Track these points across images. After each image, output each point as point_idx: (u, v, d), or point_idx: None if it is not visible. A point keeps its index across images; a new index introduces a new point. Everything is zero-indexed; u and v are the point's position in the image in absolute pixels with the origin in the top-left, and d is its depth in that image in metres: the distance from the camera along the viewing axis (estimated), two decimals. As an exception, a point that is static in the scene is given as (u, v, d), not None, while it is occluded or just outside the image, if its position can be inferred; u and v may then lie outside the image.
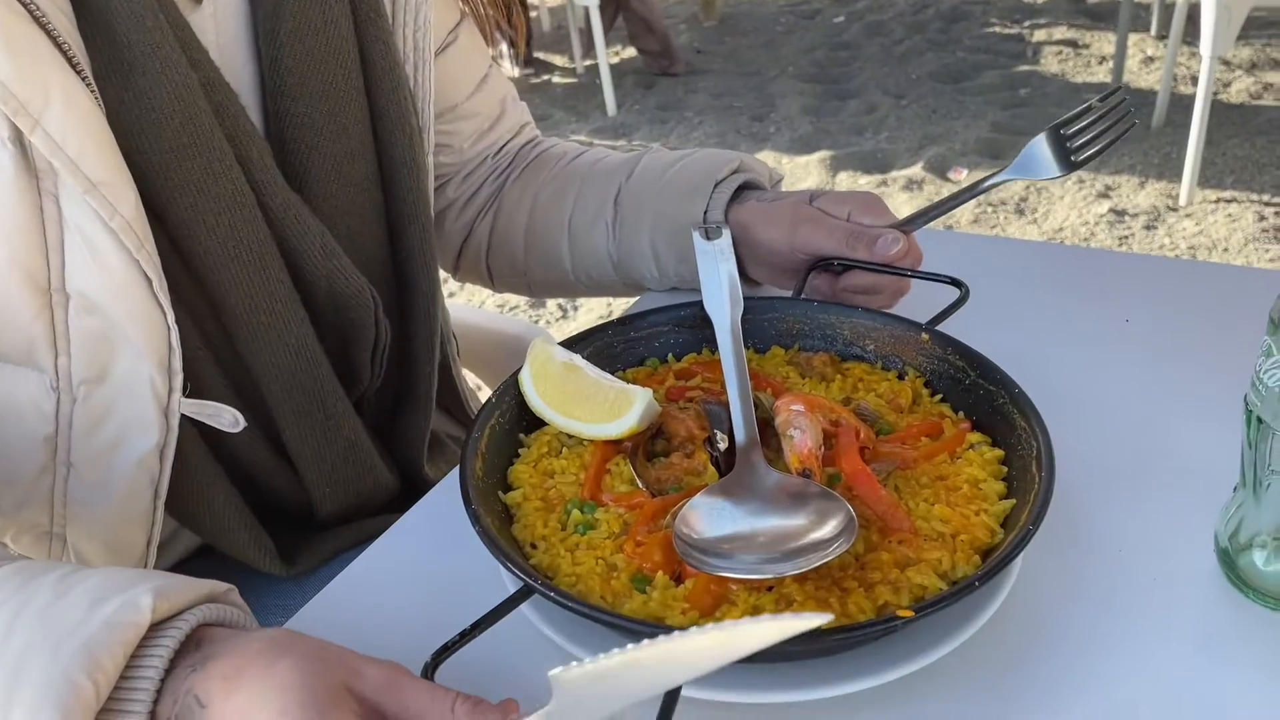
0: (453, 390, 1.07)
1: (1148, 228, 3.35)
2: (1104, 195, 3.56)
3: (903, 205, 3.51)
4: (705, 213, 0.96)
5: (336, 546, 0.92)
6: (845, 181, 3.82)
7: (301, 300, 0.85)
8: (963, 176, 3.74)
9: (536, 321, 3.08)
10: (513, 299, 3.14)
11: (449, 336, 1.06)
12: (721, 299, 0.85)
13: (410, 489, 0.98)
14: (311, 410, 0.87)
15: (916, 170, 3.82)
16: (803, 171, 3.91)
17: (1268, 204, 3.41)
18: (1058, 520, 0.66)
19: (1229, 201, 3.45)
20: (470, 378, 1.33)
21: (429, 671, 0.58)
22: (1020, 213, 3.48)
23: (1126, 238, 3.31)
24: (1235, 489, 0.71)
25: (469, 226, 1.14)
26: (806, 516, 0.65)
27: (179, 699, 0.56)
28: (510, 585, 0.69)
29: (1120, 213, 3.44)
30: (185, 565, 0.95)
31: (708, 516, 0.66)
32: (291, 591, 0.91)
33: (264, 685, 0.53)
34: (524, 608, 0.66)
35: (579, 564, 0.68)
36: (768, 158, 3.99)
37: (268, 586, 0.91)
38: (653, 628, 0.60)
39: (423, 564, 0.78)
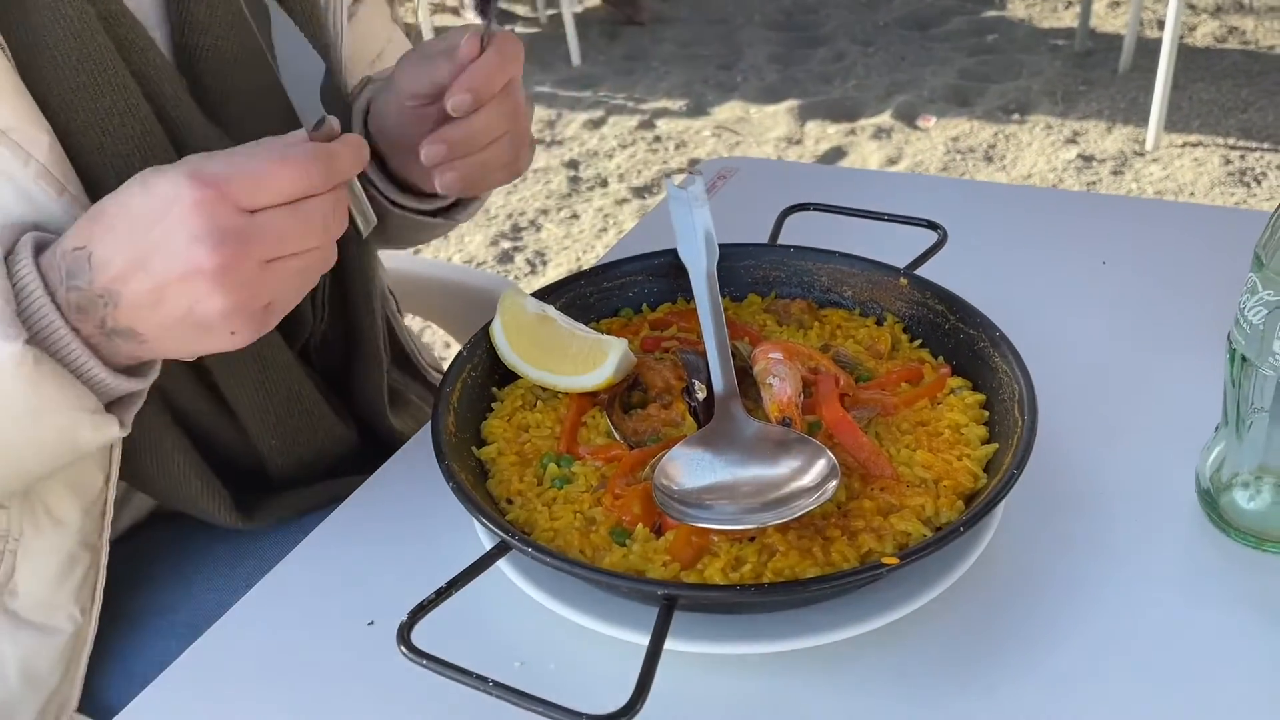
0: (399, 346, 1.05)
1: (1115, 173, 3.35)
2: (1071, 141, 3.55)
3: (872, 153, 3.49)
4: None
5: (300, 505, 0.90)
6: (814, 130, 3.79)
7: None
8: (931, 124, 3.72)
9: (504, 277, 3.04)
10: (480, 254, 3.10)
11: (385, 291, 1.03)
12: (696, 246, 0.83)
13: (376, 446, 0.96)
14: (247, 360, 0.84)
15: (885, 118, 3.80)
16: (770, 120, 3.88)
17: (1233, 147, 3.42)
18: (1038, 464, 0.65)
19: (1195, 146, 3.46)
20: (440, 334, 1.30)
21: (405, 632, 0.57)
22: (989, 159, 3.47)
23: (1094, 183, 3.31)
24: (1217, 428, 0.71)
25: None
26: (788, 465, 0.64)
27: (58, 263, 0.63)
28: (486, 541, 0.68)
29: (1088, 158, 3.45)
30: (144, 530, 0.93)
31: (688, 467, 0.65)
32: (255, 552, 0.89)
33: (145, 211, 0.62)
34: (501, 564, 0.65)
35: (556, 518, 0.66)
36: (735, 107, 3.95)
37: (231, 549, 0.89)
38: (633, 581, 0.59)
39: (395, 522, 0.76)
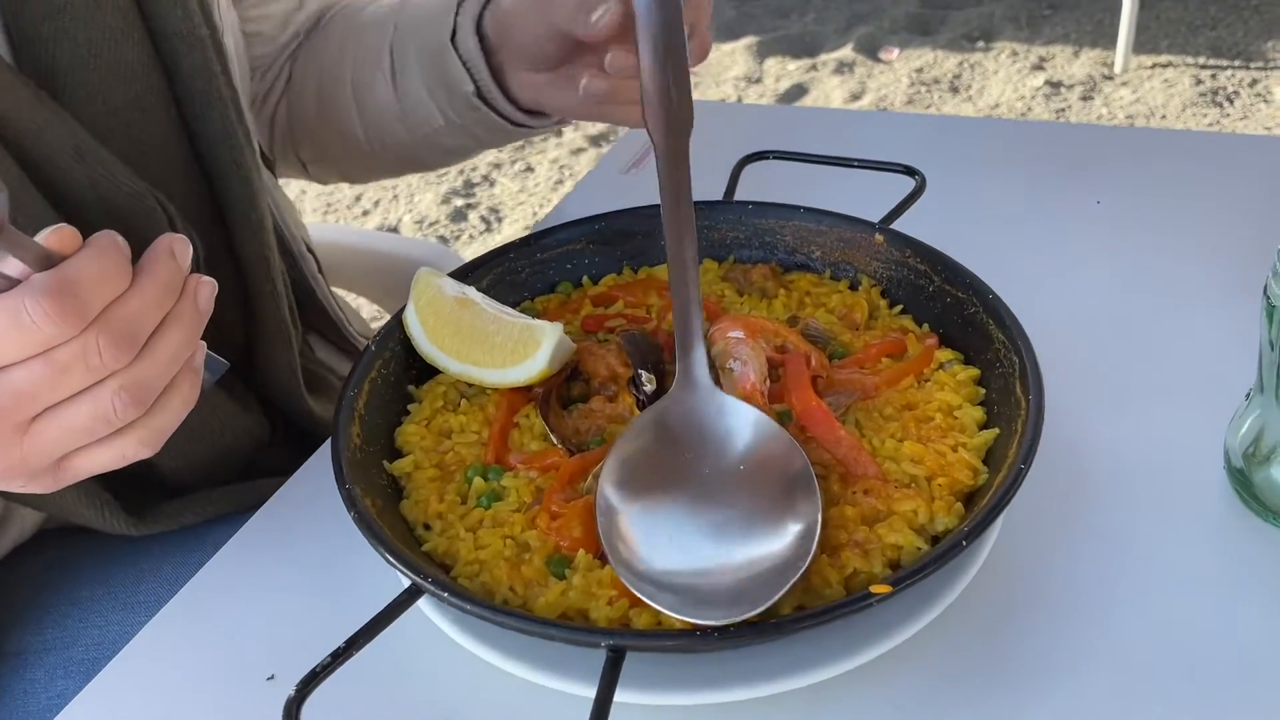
0: (323, 313, 0.93)
1: (1084, 98, 3.25)
2: (1038, 67, 3.45)
3: (834, 89, 3.37)
4: (454, 33, 0.83)
5: (205, 510, 0.79)
6: (773, 68, 3.65)
7: (67, 216, 0.70)
8: (894, 56, 3.59)
9: (458, 236, 2.91)
10: (431, 213, 2.96)
11: (302, 251, 0.92)
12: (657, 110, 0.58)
13: (298, 436, 0.85)
14: None
15: (846, 52, 3.67)
16: (729, 59, 3.74)
17: (1204, 67, 3.33)
18: (1042, 447, 0.56)
19: (1165, 67, 3.36)
20: (372, 310, 1.19)
21: (294, 710, 0.46)
22: (955, 90, 3.36)
23: (1063, 110, 3.21)
24: (1249, 395, 0.61)
25: (272, 112, 1.00)
26: (763, 502, 0.53)
27: None
28: (402, 579, 0.57)
29: (1055, 84, 3.34)
30: (29, 551, 0.82)
31: (641, 528, 0.53)
32: (155, 572, 0.78)
33: None
34: (423, 603, 0.55)
35: (482, 547, 0.56)
36: (691, 47, 3.80)
37: (129, 570, 0.78)
38: (572, 631, 0.49)
39: (310, 541, 0.65)
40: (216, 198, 0.80)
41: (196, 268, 0.78)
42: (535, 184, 3.05)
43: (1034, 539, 0.60)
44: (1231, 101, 3.17)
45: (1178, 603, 0.57)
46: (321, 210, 3.05)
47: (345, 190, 3.13)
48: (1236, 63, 3.43)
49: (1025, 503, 0.61)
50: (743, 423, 0.57)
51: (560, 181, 3.03)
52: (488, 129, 0.89)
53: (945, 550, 0.50)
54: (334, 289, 1.04)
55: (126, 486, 0.78)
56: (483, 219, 3.05)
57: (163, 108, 0.76)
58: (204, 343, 0.55)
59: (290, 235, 0.90)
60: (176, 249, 0.53)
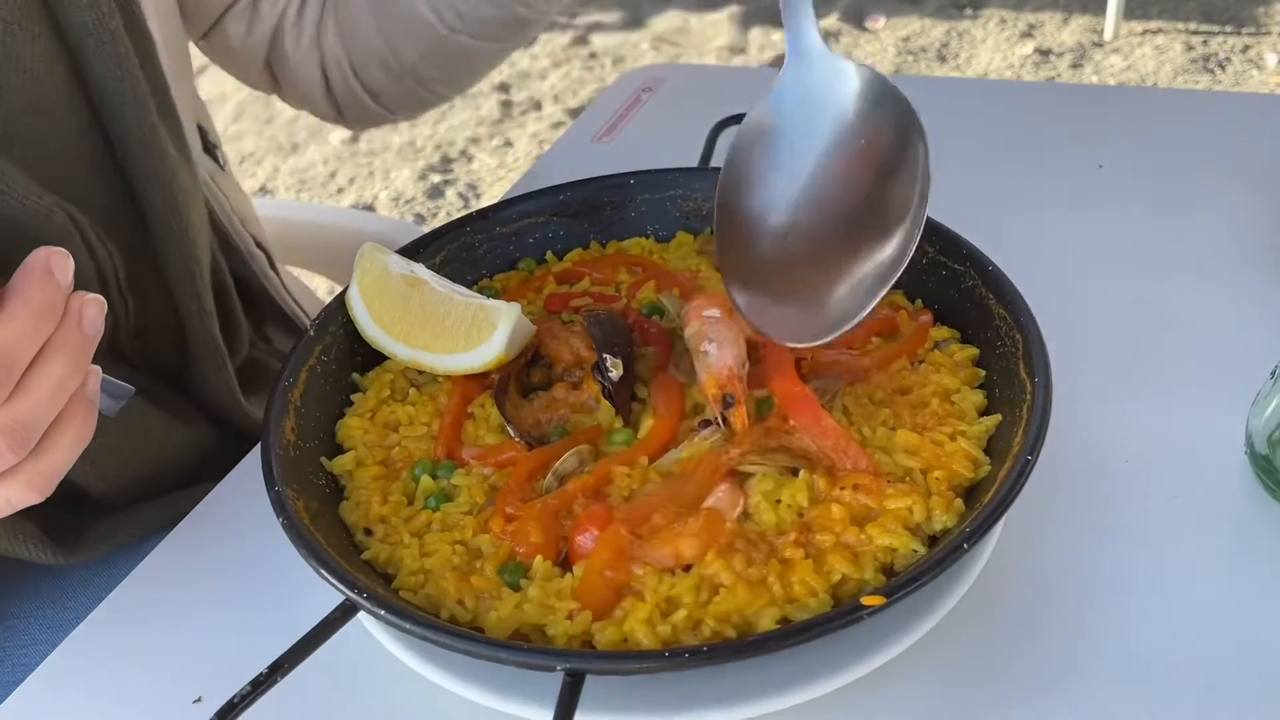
0: (274, 308, 0.86)
1: (1074, 66, 3.19)
2: (1027, 35, 3.38)
3: (819, 59, 3.30)
4: None
5: (138, 529, 0.73)
6: (758, 38, 3.58)
7: None
8: (880, 25, 3.52)
9: (435, 214, 2.84)
10: (408, 189, 2.89)
11: (250, 249, 0.84)
12: None
13: (241, 442, 0.78)
14: None
15: (832, 21, 3.60)
16: (712, 29, 3.66)
17: (1194, 33, 3.27)
18: (1049, 433, 0.50)
19: (1155, 33, 3.30)
20: (329, 287, 1.12)
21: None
22: (942, 59, 3.29)
23: (1053, 78, 3.15)
24: (1274, 374, 0.56)
25: (315, 46, 0.90)
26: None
27: None
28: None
29: (1045, 52, 3.28)
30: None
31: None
32: (85, 582, 0.72)
33: None
34: (364, 617, 0.49)
35: (429, 554, 0.50)
36: (674, 17, 3.72)
37: (56, 581, 0.72)
38: (525, 654, 0.43)
39: (237, 557, 0.60)
40: (138, 205, 0.71)
41: (118, 288, 0.70)
42: (514, 159, 2.98)
43: (1039, 538, 0.55)
44: (1223, 68, 3.11)
45: (1198, 604, 0.52)
46: (295, 189, 2.98)
47: (320, 167, 3.05)
48: (1228, 28, 3.37)
49: (1029, 497, 0.55)
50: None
51: (540, 156, 2.96)
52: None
53: (944, 555, 0.44)
54: (290, 268, 0.97)
55: (53, 511, 0.71)
56: (460, 195, 2.98)
57: (71, 110, 0.67)
58: (97, 368, 0.49)
59: (236, 233, 0.83)
60: (55, 264, 0.45)
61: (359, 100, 0.93)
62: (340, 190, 2.94)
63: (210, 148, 0.84)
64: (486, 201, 2.88)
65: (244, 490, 0.64)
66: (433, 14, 0.85)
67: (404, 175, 2.98)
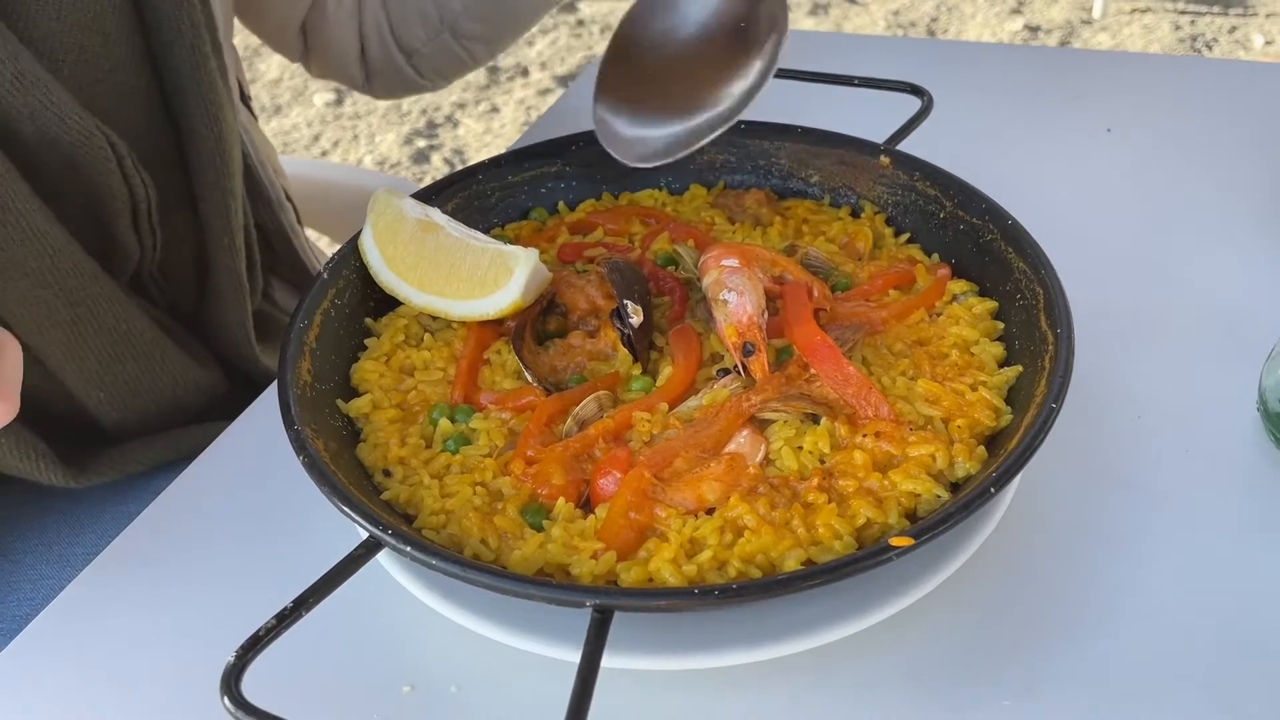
0: (296, 263, 0.86)
1: (1062, 43, 3.20)
2: (1016, 11, 3.38)
3: (810, 31, 3.28)
4: None
5: (147, 458, 0.72)
6: (746, 8, 3.56)
7: (4, 151, 0.62)
8: (870, -3, 3.50)
9: (421, 179, 2.82)
10: (393, 154, 2.86)
11: (281, 200, 0.84)
12: None
13: (250, 388, 0.78)
14: (45, 295, 0.66)
15: (821, -7, 3.59)
16: (700, 0, 3.64)
17: (1183, 12, 3.28)
18: (1066, 390, 0.51)
19: (1144, 11, 3.31)
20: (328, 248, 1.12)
21: (232, 681, 0.40)
22: (931, 33, 3.29)
23: (1042, 55, 3.15)
24: (1288, 332, 0.56)
25: (356, 9, 0.90)
26: None
27: None
28: (361, 530, 0.51)
29: (1034, 29, 3.28)
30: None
31: None
32: (94, 523, 0.72)
33: None
34: (383, 557, 0.49)
35: (449, 494, 0.50)
36: (662, -14, 3.70)
37: (65, 521, 0.72)
38: (553, 590, 0.43)
39: (253, 494, 0.59)
40: (181, 138, 0.72)
41: (149, 218, 0.71)
42: (501, 125, 2.96)
43: (1055, 490, 0.55)
44: (1210, 48, 3.12)
45: (1211, 557, 0.52)
46: (278, 151, 2.94)
47: (303, 129, 3.02)
48: (1215, 9, 3.38)
49: (1045, 451, 0.55)
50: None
51: (526, 123, 2.94)
52: None
53: (972, 498, 0.44)
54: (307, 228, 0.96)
55: (64, 435, 0.71)
56: (446, 161, 2.96)
57: (125, 33, 0.67)
58: None
59: (268, 182, 0.83)
60: None
61: (392, 63, 0.92)
62: (324, 153, 2.91)
63: (245, 99, 0.83)
64: (473, 168, 2.86)
65: (256, 433, 0.64)
66: None
67: (389, 140, 2.95)
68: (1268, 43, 3.20)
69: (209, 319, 0.78)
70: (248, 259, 0.78)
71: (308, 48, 0.93)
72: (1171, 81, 0.89)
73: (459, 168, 3.15)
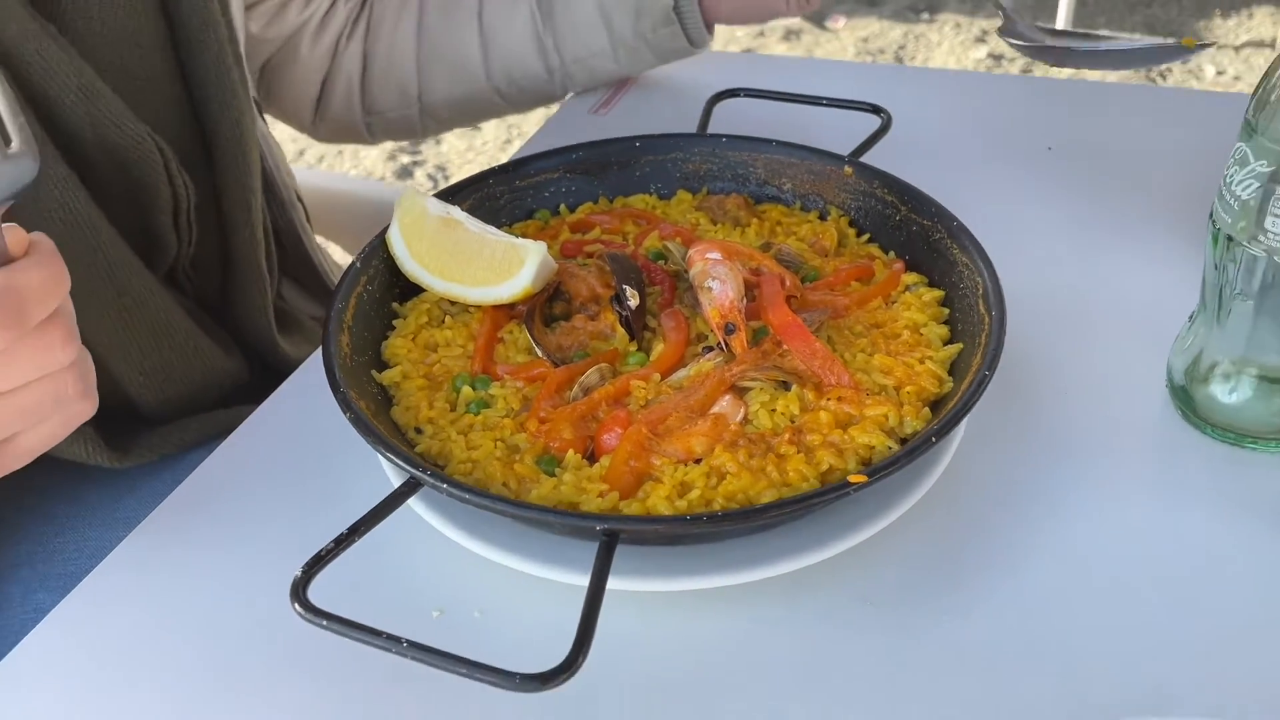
0: (305, 261, 0.94)
1: (1024, 71, 3.32)
2: (980, 40, 3.51)
3: (781, 56, 3.39)
4: None
5: (184, 439, 0.80)
6: (721, 33, 3.66)
7: (62, 155, 0.70)
8: (841, 25, 3.63)
9: (406, 193, 2.89)
10: (377, 169, 2.94)
11: (292, 199, 0.92)
12: None
13: (268, 375, 0.86)
14: (96, 286, 0.73)
15: (794, 20, 3.70)
16: (677, 24, 3.74)
17: (1138, 44, 3.42)
18: (1001, 361, 0.59)
19: (1101, 42, 3.45)
20: (339, 254, 1.19)
21: (300, 589, 0.48)
22: (899, 60, 3.41)
23: (1004, 82, 3.27)
24: (1191, 318, 0.66)
25: (330, 54, 0.97)
26: None
27: None
28: (394, 478, 0.59)
29: (997, 57, 3.41)
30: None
31: None
32: (134, 489, 0.79)
33: None
34: (413, 502, 0.57)
35: (474, 447, 0.58)
36: (640, 11, 3.80)
37: (105, 488, 0.79)
38: (568, 517, 0.51)
39: (288, 459, 0.67)
40: (207, 141, 0.80)
41: (188, 217, 0.78)
42: (483, 142, 3.03)
43: (993, 448, 0.64)
44: (1164, 78, 3.26)
45: (1124, 506, 0.61)
46: (266, 164, 3.00)
47: (288, 145, 3.08)
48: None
49: (985, 415, 0.65)
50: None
51: (509, 140, 3.02)
52: (654, 49, 0.91)
53: (917, 445, 0.53)
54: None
55: (108, 420, 0.78)
56: (429, 177, 3.03)
57: (158, 45, 0.75)
58: None
59: (281, 183, 0.90)
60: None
61: (349, 116, 1.00)
62: (309, 168, 2.98)
63: (258, 106, 0.91)
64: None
65: (287, 409, 0.71)
66: (484, 73, 0.92)
67: (373, 155, 3.02)
68: (1219, 73, 3.34)
69: (234, 309, 0.86)
70: (265, 252, 0.86)
71: (264, 82, 1.00)
72: (1108, 106, 0.99)
73: (441, 183, 3.20)
